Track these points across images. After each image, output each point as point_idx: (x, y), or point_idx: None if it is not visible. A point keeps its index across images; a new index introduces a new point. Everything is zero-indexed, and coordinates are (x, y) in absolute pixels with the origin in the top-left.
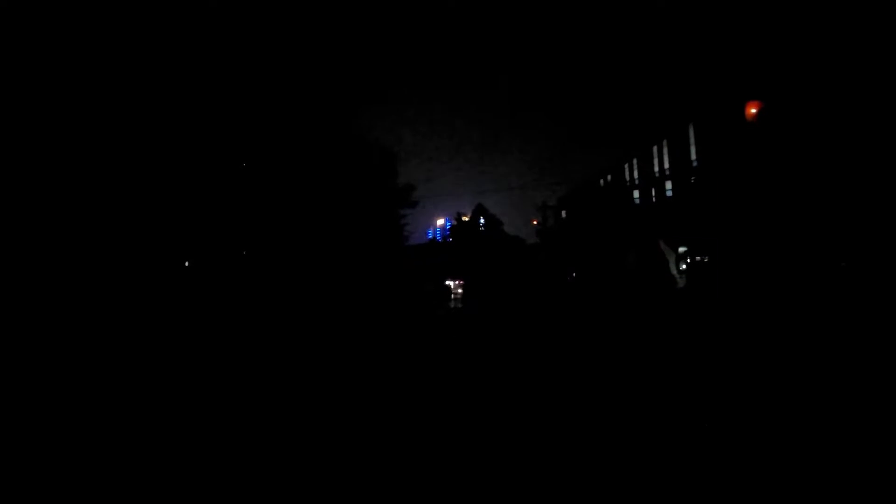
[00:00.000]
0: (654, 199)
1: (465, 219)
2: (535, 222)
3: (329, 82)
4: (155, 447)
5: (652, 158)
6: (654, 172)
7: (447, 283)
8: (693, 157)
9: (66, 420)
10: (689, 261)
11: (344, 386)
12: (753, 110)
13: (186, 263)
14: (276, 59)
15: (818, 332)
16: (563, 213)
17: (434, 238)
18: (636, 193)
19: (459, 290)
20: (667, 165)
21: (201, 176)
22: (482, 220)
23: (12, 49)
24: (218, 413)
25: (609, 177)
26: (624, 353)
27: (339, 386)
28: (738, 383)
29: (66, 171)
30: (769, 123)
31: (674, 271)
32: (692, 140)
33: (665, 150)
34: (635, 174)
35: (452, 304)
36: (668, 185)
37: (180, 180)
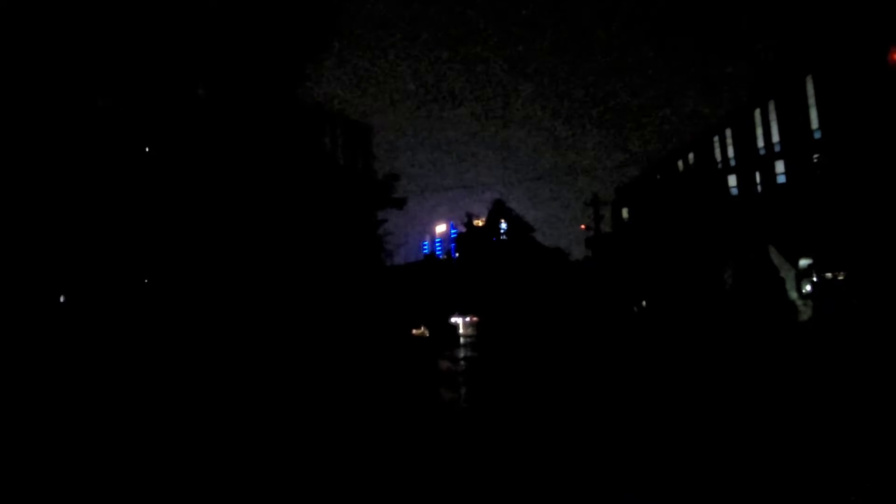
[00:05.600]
0: (759, 188)
1: (479, 223)
2: (583, 227)
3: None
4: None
5: (754, 128)
6: (757, 148)
7: (453, 320)
8: (814, 125)
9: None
10: (815, 280)
11: None
12: None
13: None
14: None
15: None
16: (625, 212)
17: (432, 253)
18: (732, 180)
19: (471, 330)
20: (776, 138)
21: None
22: (503, 225)
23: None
24: None
25: (691, 156)
26: (731, 424)
27: None
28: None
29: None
30: None
31: (793, 295)
32: (812, 100)
33: (773, 116)
34: (730, 152)
35: (462, 353)
36: (780, 166)
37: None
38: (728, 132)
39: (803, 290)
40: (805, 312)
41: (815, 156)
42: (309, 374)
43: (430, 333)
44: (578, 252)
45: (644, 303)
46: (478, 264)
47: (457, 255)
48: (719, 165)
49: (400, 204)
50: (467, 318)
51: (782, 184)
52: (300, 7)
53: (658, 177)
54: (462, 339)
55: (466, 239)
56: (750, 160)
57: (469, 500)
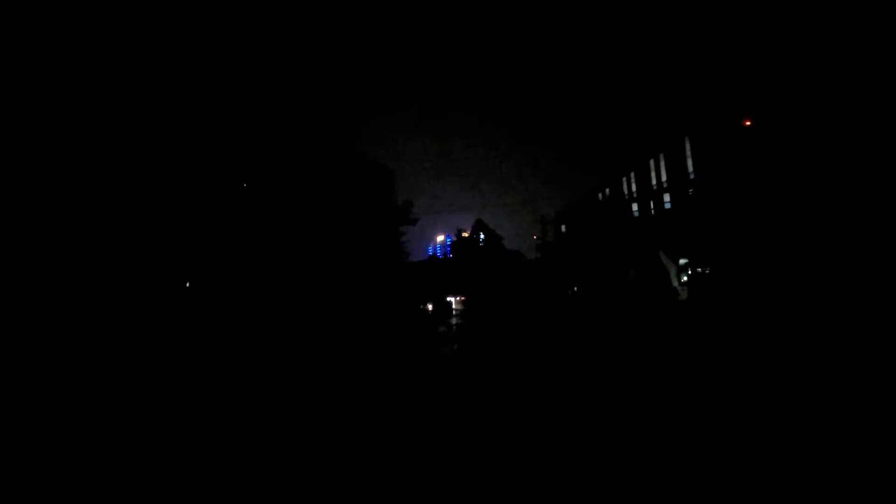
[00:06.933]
0: (652, 212)
1: (465, 235)
2: (535, 237)
3: (329, 97)
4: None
5: (649, 171)
6: (651, 185)
7: (448, 299)
8: (690, 169)
9: (71, 422)
10: (690, 273)
11: (341, 412)
12: (748, 123)
13: (187, 284)
14: (275, 78)
15: (820, 339)
16: (563, 228)
17: (434, 254)
18: (635, 206)
19: (460, 306)
20: (664, 178)
21: (203, 192)
22: (482, 236)
23: (9, 49)
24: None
25: (607, 190)
26: (628, 367)
27: (336, 411)
28: (742, 393)
29: (68, 173)
30: (764, 135)
31: (675, 283)
32: (689, 153)
33: (662, 163)
34: (633, 187)
35: (454, 321)
36: (667, 197)
37: (180, 193)
38: (632, 174)
39: (682, 280)
40: (682, 295)
41: (690, 190)
42: (361, 326)
43: (432, 307)
44: (531, 254)
45: (575, 289)
46: (464, 262)
47: (451, 256)
48: (626, 196)
49: (413, 222)
50: (457, 298)
51: (668, 209)
52: (358, 96)
53: (586, 204)
54: (454, 312)
55: (457, 245)
56: (647, 193)
57: (461, 385)
